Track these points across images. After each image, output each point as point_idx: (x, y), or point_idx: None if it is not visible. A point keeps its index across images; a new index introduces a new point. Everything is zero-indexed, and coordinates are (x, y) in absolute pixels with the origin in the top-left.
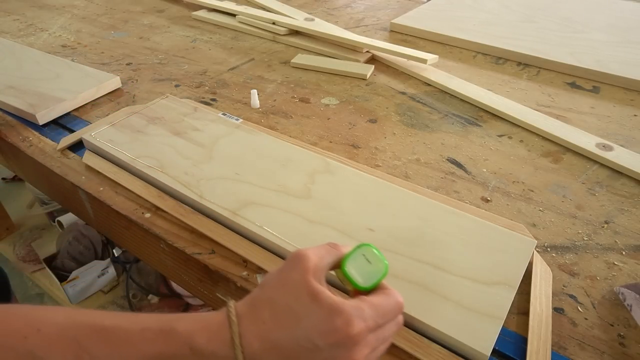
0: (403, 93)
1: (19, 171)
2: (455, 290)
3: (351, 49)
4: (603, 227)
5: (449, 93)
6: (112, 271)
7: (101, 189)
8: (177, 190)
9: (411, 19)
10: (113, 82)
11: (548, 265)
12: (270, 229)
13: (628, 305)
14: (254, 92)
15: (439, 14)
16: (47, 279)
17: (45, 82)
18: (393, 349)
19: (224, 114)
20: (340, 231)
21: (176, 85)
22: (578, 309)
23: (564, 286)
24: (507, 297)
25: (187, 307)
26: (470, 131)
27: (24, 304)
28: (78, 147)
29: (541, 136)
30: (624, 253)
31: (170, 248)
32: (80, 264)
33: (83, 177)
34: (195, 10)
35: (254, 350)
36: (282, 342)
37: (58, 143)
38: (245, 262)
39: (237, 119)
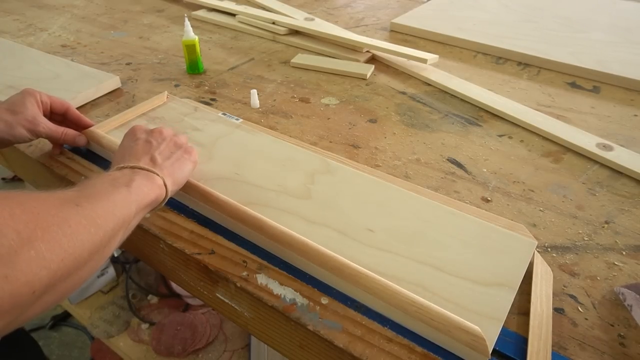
0: (403, 93)
1: (19, 171)
2: (455, 292)
3: (351, 48)
4: (603, 227)
5: (449, 93)
6: (111, 271)
7: None
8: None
9: (411, 19)
10: (113, 82)
11: (548, 265)
12: None
13: (628, 305)
14: (254, 92)
15: (439, 13)
16: None
17: (44, 82)
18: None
19: (224, 114)
20: (340, 231)
21: (176, 85)
22: (578, 309)
23: (564, 286)
24: (507, 299)
25: (186, 307)
26: (470, 131)
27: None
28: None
29: (541, 136)
30: (624, 253)
31: (169, 248)
32: None
33: (83, 177)
34: (195, 10)
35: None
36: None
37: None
38: (245, 262)
39: (237, 119)
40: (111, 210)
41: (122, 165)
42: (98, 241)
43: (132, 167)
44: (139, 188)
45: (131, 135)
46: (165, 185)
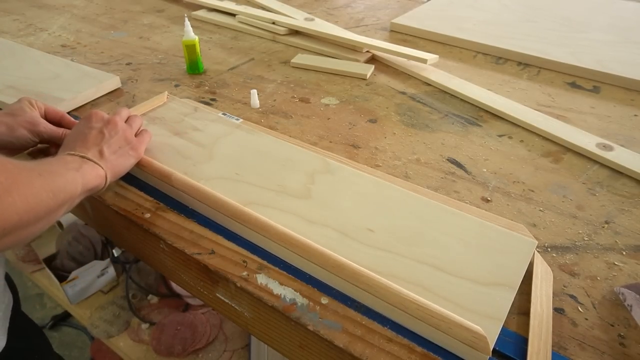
0: (403, 93)
1: None
2: (455, 292)
3: (351, 48)
4: (603, 227)
5: (449, 93)
6: (111, 271)
7: None
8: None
9: (411, 19)
10: (113, 81)
11: (548, 265)
12: None
13: (628, 305)
14: (254, 92)
15: (439, 13)
16: (46, 279)
17: (44, 82)
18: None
19: (224, 114)
20: (340, 231)
21: (176, 85)
22: (578, 309)
23: (564, 286)
24: (507, 299)
25: (186, 307)
26: (470, 131)
27: None
28: None
29: (541, 136)
30: (624, 253)
31: (170, 248)
32: (80, 264)
33: None
34: (195, 10)
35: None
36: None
37: None
38: (245, 262)
39: (237, 119)
40: (63, 184)
41: (72, 152)
42: (52, 205)
43: (82, 157)
44: (85, 174)
45: (87, 121)
46: (106, 177)
